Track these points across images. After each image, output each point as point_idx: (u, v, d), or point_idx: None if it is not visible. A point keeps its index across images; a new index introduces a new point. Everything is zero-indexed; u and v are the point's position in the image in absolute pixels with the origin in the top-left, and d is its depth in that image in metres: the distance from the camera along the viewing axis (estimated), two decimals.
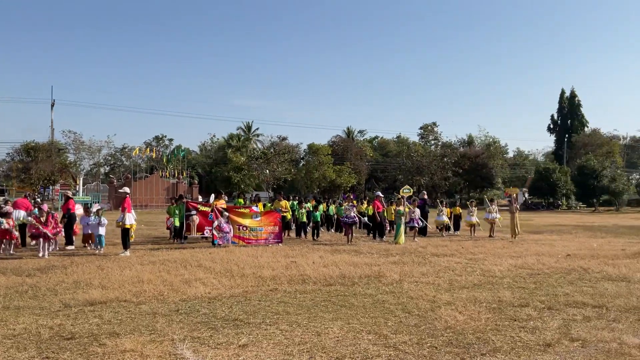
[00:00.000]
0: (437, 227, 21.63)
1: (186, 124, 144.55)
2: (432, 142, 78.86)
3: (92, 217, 14.76)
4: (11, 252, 13.71)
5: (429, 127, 78.91)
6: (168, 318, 6.69)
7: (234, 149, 67.54)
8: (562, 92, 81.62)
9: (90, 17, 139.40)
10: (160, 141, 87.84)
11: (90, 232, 14.93)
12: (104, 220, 14.35)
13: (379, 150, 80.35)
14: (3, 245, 13.63)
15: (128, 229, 13.76)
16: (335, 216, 22.31)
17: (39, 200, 19.55)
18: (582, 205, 66.76)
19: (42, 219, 13.40)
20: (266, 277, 9.77)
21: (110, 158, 78.85)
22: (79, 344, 5.56)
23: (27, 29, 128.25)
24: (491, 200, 22.83)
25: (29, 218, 14.07)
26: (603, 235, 21.66)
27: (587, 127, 79.83)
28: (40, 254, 12.96)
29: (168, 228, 18.34)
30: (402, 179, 61.09)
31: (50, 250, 13.70)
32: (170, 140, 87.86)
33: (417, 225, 18.41)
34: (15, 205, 15.23)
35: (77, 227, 15.64)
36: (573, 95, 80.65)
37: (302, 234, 19.31)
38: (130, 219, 13.86)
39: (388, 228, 19.73)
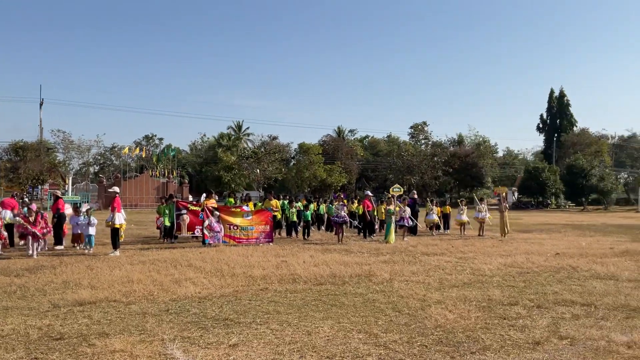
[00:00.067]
0: (427, 226, 21.71)
1: (177, 123, 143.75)
2: (423, 141, 78.95)
3: (82, 217, 14.66)
4: None
5: (419, 127, 79.01)
6: (158, 318, 6.66)
7: (225, 148, 67.27)
8: (552, 92, 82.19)
9: (90, 16, 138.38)
10: (150, 140, 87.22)
11: (79, 232, 14.83)
12: (93, 220, 14.25)
13: (369, 149, 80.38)
14: None
15: (118, 229, 13.69)
16: (326, 215, 22.33)
17: (27, 200, 19.36)
18: (571, 204, 67.26)
19: (31, 219, 13.29)
20: (257, 277, 9.75)
21: (99, 157, 78.18)
22: (68, 345, 5.52)
23: (27, 29, 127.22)
24: (481, 200, 22.94)
25: (17, 218, 13.94)
26: (592, 234, 21.85)
27: (576, 126, 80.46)
28: (29, 253, 12.86)
29: (158, 228, 18.27)
30: (393, 178, 61.14)
31: (39, 250, 13.58)
32: (161, 139, 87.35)
33: (407, 225, 18.46)
34: (2, 205, 15.07)
35: (66, 227, 15.53)
36: (562, 95, 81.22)
37: (293, 233, 19.30)
38: (120, 218, 13.80)
39: (377, 227, 19.77)
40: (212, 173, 61.66)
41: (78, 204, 17.74)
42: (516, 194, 70.92)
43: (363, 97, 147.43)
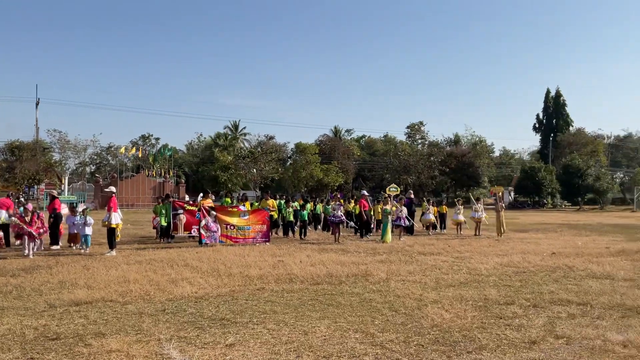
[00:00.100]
0: (423, 226, 21.74)
1: (176, 123, 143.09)
2: (419, 141, 79.04)
3: (78, 217, 14.62)
4: None
5: (416, 127, 79.07)
6: (154, 318, 6.65)
7: (221, 148, 67.27)
8: (548, 92, 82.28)
9: (89, 16, 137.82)
10: (147, 140, 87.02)
11: (76, 232, 14.79)
12: (90, 220, 14.21)
13: (366, 149, 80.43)
14: None
15: (114, 229, 13.66)
16: (323, 215, 22.33)
17: (23, 200, 19.30)
18: (567, 204, 67.41)
19: (27, 219, 13.25)
20: (253, 276, 9.75)
21: (96, 157, 78.13)
22: (64, 345, 5.51)
23: (26, 28, 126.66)
24: (477, 199, 22.97)
25: (13, 218, 13.90)
26: (588, 233, 21.91)
27: (572, 126, 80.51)
28: (25, 253, 12.82)
29: (154, 227, 18.23)
30: (390, 178, 61.10)
31: (35, 250, 13.54)
32: (157, 139, 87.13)
33: (403, 224, 18.48)
34: None
35: (62, 227, 15.49)
36: (558, 95, 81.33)
37: (290, 233, 19.30)
38: (117, 218, 13.77)
39: (374, 227, 19.77)
40: (209, 173, 61.61)
41: (74, 204, 17.73)
42: (512, 193, 71.07)
43: (362, 97, 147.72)
